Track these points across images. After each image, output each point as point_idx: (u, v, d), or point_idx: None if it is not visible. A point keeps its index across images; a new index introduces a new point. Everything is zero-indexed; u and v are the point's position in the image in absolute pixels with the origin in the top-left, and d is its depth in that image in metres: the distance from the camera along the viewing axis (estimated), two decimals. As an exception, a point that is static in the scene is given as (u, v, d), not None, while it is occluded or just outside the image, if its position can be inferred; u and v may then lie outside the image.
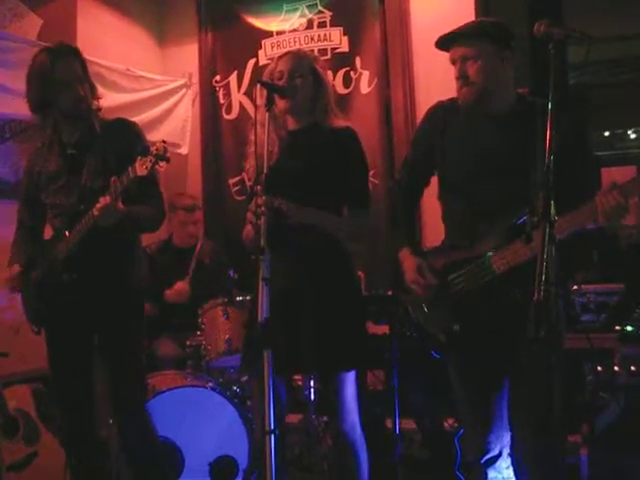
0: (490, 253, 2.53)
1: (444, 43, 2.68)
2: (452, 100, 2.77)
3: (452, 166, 2.73)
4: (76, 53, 3.09)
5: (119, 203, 2.82)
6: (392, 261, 2.86)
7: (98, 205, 2.80)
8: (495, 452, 2.67)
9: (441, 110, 2.80)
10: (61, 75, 2.99)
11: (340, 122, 2.93)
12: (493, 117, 2.65)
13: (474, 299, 2.56)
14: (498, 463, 2.68)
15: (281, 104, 2.84)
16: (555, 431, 2.36)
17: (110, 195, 2.78)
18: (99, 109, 3.16)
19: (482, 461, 2.68)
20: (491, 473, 2.68)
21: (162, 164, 2.71)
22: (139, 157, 2.69)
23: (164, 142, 2.73)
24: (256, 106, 2.77)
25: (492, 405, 2.64)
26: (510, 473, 2.67)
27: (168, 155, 2.72)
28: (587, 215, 2.30)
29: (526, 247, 2.39)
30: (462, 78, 2.60)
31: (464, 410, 2.78)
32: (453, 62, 2.64)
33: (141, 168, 2.68)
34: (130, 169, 2.71)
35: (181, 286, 4.59)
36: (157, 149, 2.68)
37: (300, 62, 2.88)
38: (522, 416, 2.49)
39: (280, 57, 2.94)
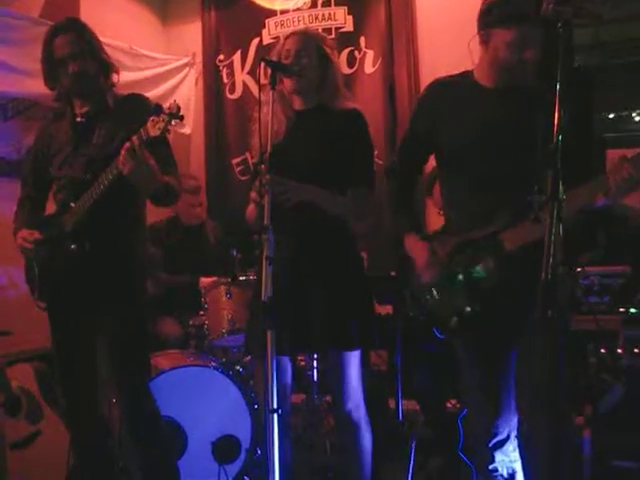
0: (500, 233, 2.49)
1: (512, 20, 2.49)
2: (451, 77, 2.73)
3: (456, 143, 2.66)
4: (75, 28, 3.04)
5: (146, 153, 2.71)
6: (395, 242, 2.85)
7: (122, 153, 2.69)
8: (503, 435, 2.64)
9: (440, 88, 2.76)
10: (57, 53, 2.98)
11: (348, 103, 2.90)
12: (500, 91, 2.59)
13: (485, 283, 2.52)
14: (506, 446, 2.64)
15: (287, 83, 2.82)
16: (564, 414, 2.35)
17: (133, 143, 2.67)
18: (112, 85, 3.12)
19: (490, 445, 2.65)
20: (498, 456, 2.65)
21: (175, 123, 2.63)
22: (152, 118, 2.62)
23: (175, 101, 2.67)
24: (260, 85, 2.74)
25: (501, 389, 2.60)
26: (516, 455, 2.65)
27: (181, 114, 2.66)
28: (597, 188, 2.27)
29: (536, 225, 2.35)
30: (528, 59, 2.49)
31: (473, 394, 2.73)
32: (517, 42, 2.47)
33: (153, 129, 2.61)
34: (142, 130, 2.64)
35: (173, 328, 4.55)
36: (170, 108, 2.62)
37: (307, 42, 2.85)
38: (530, 400, 2.46)
39: (287, 36, 2.91)
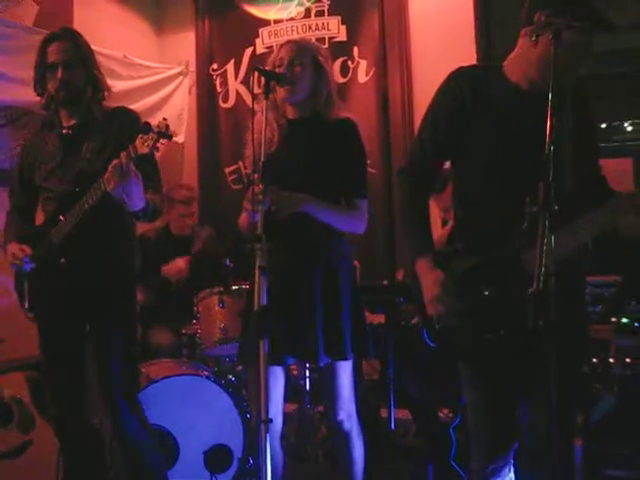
0: (522, 253, 2.22)
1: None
2: (477, 67, 2.52)
3: (479, 143, 2.36)
4: (72, 38, 3.04)
5: (132, 166, 2.69)
6: (388, 251, 2.81)
7: (109, 170, 2.68)
8: (502, 462, 2.49)
9: (466, 77, 2.42)
10: (49, 58, 2.99)
11: (341, 113, 2.90)
12: (534, 95, 2.28)
13: (505, 305, 2.26)
14: (503, 472, 2.50)
15: (280, 92, 2.82)
16: (567, 437, 2.28)
17: (120, 160, 2.66)
18: (101, 98, 3.11)
19: (487, 470, 2.48)
20: None
21: (164, 142, 2.65)
22: (140, 135, 2.63)
23: (165, 119, 2.68)
24: (253, 94, 2.73)
25: (511, 422, 2.45)
26: (512, 476, 2.52)
27: (170, 133, 2.67)
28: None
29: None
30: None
31: (481, 424, 2.51)
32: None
33: (142, 146, 2.62)
34: (131, 147, 2.64)
35: (180, 263, 4.61)
36: (159, 126, 2.63)
37: (301, 51, 2.85)
38: (535, 428, 2.35)
39: (282, 45, 2.91)
